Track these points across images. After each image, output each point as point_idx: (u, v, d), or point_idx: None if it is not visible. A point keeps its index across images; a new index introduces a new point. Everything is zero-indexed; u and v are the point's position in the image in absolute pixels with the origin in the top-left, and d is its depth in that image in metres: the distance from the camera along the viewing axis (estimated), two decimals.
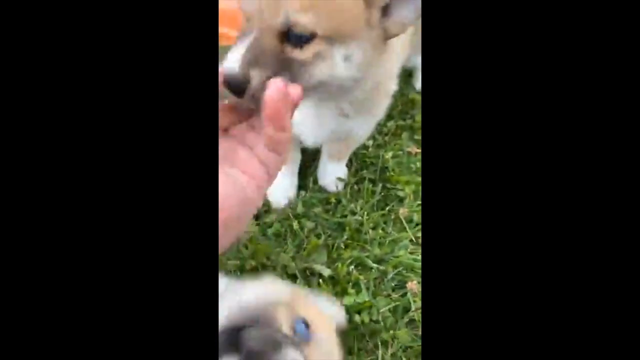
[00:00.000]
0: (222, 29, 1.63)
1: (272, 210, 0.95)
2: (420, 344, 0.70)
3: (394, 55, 0.72)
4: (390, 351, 0.70)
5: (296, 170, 1.00)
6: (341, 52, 0.55)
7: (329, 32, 0.53)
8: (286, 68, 0.52)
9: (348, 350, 0.69)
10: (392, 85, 0.79)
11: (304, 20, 0.50)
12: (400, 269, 0.80)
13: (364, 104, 0.73)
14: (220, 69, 0.48)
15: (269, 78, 0.49)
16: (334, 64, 0.56)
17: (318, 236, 0.87)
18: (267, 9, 0.50)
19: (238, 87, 0.49)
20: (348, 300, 0.75)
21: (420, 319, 0.73)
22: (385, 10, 0.56)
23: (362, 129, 0.83)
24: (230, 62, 0.50)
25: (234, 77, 0.49)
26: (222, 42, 1.49)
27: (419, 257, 0.81)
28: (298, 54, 0.52)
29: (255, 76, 0.50)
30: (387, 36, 0.58)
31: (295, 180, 1.03)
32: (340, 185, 0.97)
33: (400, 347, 0.71)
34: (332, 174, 0.97)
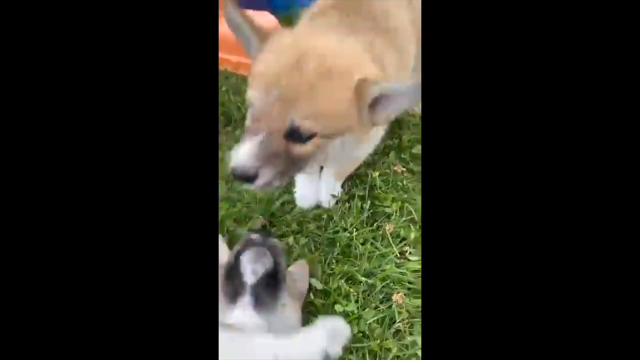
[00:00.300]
0: (222, 55, 1.71)
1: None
2: (407, 352, 0.74)
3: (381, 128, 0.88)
4: None
5: (317, 176, 1.06)
6: (336, 143, 0.65)
7: (327, 131, 0.62)
8: (290, 160, 0.61)
9: None
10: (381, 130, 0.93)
11: (307, 125, 0.59)
12: (388, 281, 0.85)
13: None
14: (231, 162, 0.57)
15: (278, 173, 0.59)
16: (331, 151, 0.66)
17: (311, 251, 0.92)
18: (275, 114, 0.58)
19: (247, 179, 0.58)
20: (338, 308, 0.80)
21: (406, 330, 0.78)
22: (373, 107, 0.65)
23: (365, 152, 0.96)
24: (242, 156, 0.58)
25: (245, 171, 0.58)
26: (222, 66, 1.56)
27: (405, 271, 0.86)
28: (301, 149, 0.62)
29: (265, 172, 0.59)
30: (375, 125, 0.68)
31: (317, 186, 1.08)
32: (333, 202, 1.03)
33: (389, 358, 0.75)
34: (329, 191, 1.03)
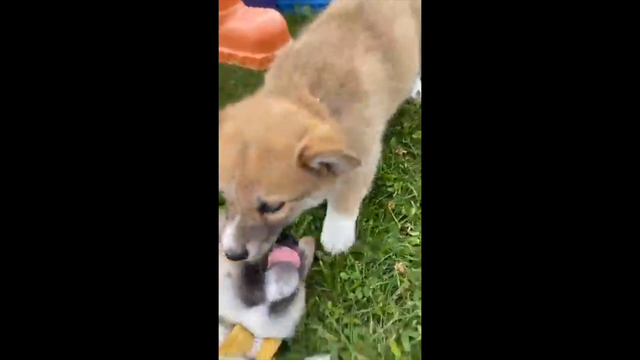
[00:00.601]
0: (230, 50, 1.78)
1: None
2: (407, 316, 0.79)
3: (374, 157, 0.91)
4: (382, 325, 0.80)
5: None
6: (307, 200, 0.70)
7: (294, 197, 0.66)
8: (269, 228, 0.67)
9: (344, 325, 0.79)
10: (376, 154, 0.93)
11: (273, 199, 0.64)
12: (390, 254, 0.90)
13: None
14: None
15: (263, 242, 0.66)
16: (304, 207, 0.72)
17: (318, 228, 0.97)
18: (243, 196, 0.64)
19: (239, 258, 0.65)
20: (344, 275, 0.85)
21: (407, 296, 0.83)
22: (329, 167, 0.68)
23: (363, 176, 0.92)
24: (227, 241, 0.64)
25: (234, 252, 0.64)
26: (222, 61, 1.62)
27: (406, 244, 0.91)
28: (275, 216, 0.67)
29: (252, 246, 0.65)
30: (337, 176, 0.71)
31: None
32: (349, 245, 0.93)
33: (391, 322, 0.80)
34: (341, 233, 0.93)
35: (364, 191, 0.95)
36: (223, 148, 0.63)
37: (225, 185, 0.64)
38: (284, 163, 0.62)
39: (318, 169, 0.65)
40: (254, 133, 0.63)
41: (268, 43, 1.73)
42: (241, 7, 1.84)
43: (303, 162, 0.63)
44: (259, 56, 1.72)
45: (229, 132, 0.65)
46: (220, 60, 1.77)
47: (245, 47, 1.74)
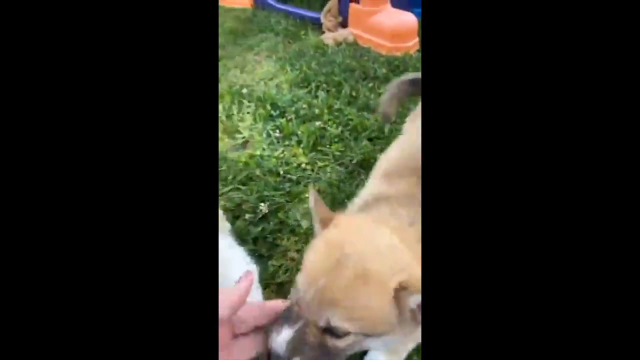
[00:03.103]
0: (367, 35, 2.48)
1: None
2: None
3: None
4: None
5: None
6: (374, 341, 0.64)
7: (364, 331, 0.61)
8: (324, 350, 0.61)
9: None
10: None
11: (343, 326, 0.59)
12: None
13: None
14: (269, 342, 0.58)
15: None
16: (362, 348, 0.66)
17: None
18: (314, 309, 0.59)
19: None
20: None
21: None
22: (415, 313, 0.61)
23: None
24: (279, 344, 0.58)
25: (280, 358, 0.58)
26: (362, 43, 2.44)
27: None
28: (336, 342, 0.61)
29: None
30: (416, 325, 0.64)
31: None
32: None
33: None
34: None
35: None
36: (320, 252, 0.63)
37: (304, 286, 0.61)
38: (374, 292, 0.59)
39: (408, 309, 0.61)
40: (355, 252, 0.61)
41: (399, 36, 2.30)
42: (388, 7, 2.44)
43: (399, 297, 0.59)
44: (389, 45, 2.30)
45: (331, 239, 0.65)
46: (362, 42, 2.41)
47: (382, 36, 2.34)
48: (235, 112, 1.78)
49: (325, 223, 0.69)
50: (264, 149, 1.55)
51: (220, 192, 1.40)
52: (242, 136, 1.65)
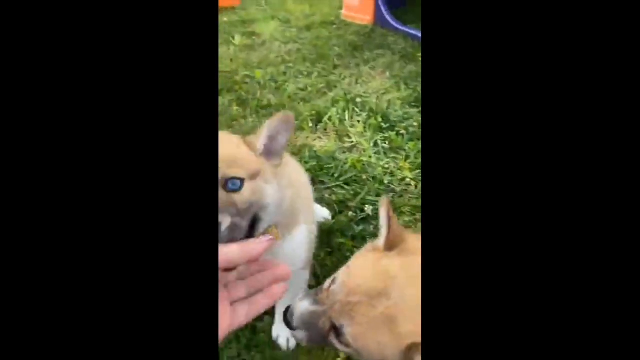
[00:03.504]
0: None
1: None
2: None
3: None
4: None
5: None
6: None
7: (363, 355, 0.62)
8: (324, 339, 0.64)
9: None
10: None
11: (349, 341, 0.60)
12: None
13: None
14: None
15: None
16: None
17: None
18: (337, 309, 0.62)
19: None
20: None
21: None
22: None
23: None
24: (297, 311, 0.64)
25: (291, 320, 0.65)
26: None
27: None
28: (337, 344, 0.64)
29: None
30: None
31: None
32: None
33: None
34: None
35: None
36: (372, 267, 0.64)
37: (341, 288, 0.63)
38: (391, 339, 0.59)
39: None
40: (399, 295, 0.60)
41: None
42: None
43: (409, 354, 0.59)
44: None
45: (388, 263, 0.64)
46: None
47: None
48: (347, 117, 1.90)
49: (392, 239, 0.67)
50: (370, 157, 1.64)
51: (325, 185, 1.51)
52: (351, 141, 1.76)
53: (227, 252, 0.50)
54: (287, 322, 0.66)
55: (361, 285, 0.61)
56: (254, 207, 0.67)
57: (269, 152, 0.74)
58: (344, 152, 1.70)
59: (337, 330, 0.61)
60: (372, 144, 1.71)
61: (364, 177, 1.52)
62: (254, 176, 0.67)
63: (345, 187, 1.50)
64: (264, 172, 0.70)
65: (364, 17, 3.19)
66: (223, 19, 3.63)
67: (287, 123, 0.74)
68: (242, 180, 0.65)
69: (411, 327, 0.57)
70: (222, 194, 0.63)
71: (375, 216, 1.36)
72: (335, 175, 1.54)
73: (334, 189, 1.49)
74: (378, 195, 1.44)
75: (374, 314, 0.58)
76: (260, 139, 0.73)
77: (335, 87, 2.20)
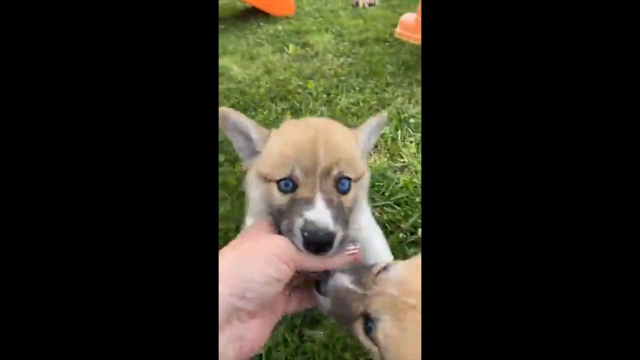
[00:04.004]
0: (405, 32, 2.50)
1: None
2: None
3: None
4: None
5: None
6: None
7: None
8: (348, 317, 0.56)
9: None
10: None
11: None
12: None
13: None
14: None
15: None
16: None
17: None
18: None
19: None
20: None
21: None
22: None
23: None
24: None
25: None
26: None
27: None
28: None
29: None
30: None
31: None
32: None
33: None
34: None
35: None
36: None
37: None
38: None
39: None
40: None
41: None
42: None
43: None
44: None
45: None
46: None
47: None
48: (399, 137, 1.90)
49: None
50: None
51: (374, 204, 1.51)
52: (403, 161, 1.75)
53: (307, 263, 0.52)
54: (318, 284, 0.60)
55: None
56: (349, 216, 0.61)
57: (362, 150, 0.71)
58: (395, 172, 1.69)
59: (368, 321, 0.56)
60: None
61: (417, 199, 1.51)
62: (357, 179, 0.63)
63: (396, 207, 1.49)
64: (364, 175, 0.66)
65: (419, 36, 3.19)
66: (278, 27, 3.75)
67: (382, 125, 0.74)
68: (350, 182, 0.61)
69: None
70: (332, 192, 0.57)
71: None
72: (386, 194, 1.54)
73: (384, 207, 1.49)
74: None
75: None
76: (361, 137, 0.69)
77: (389, 104, 2.21)
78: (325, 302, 0.60)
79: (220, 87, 2.56)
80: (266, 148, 0.66)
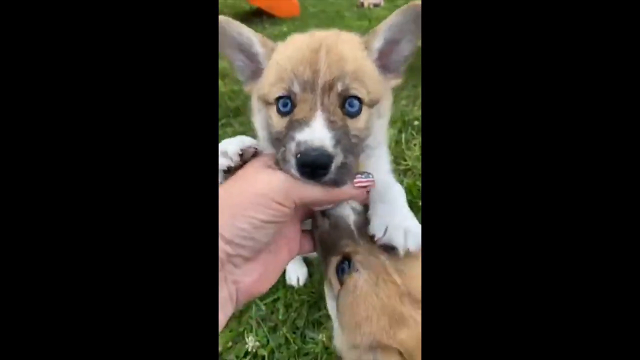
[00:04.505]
0: None
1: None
2: None
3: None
4: None
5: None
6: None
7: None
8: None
9: None
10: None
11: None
12: None
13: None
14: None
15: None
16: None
17: None
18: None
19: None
20: None
21: None
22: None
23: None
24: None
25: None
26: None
27: None
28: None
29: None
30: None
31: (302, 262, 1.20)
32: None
33: None
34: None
35: None
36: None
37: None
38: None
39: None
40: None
41: None
42: None
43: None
44: None
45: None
46: None
47: None
48: (403, 140, 1.91)
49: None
50: None
51: None
52: (406, 164, 1.76)
53: (307, 195, 0.47)
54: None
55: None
56: (358, 146, 0.52)
57: (387, 64, 0.58)
58: (399, 175, 1.70)
59: (345, 262, 0.54)
60: None
61: (420, 203, 1.51)
62: (372, 103, 0.53)
63: None
64: (382, 100, 0.55)
65: None
66: (283, 29, 3.77)
67: (417, 19, 0.54)
68: (361, 102, 0.51)
69: (411, 344, 0.49)
70: (336, 112, 0.49)
71: None
72: None
73: None
74: None
75: (396, 306, 0.50)
76: (375, 41, 0.55)
77: (393, 108, 2.22)
78: (323, 223, 0.58)
79: (225, 88, 2.58)
80: (267, 67, 0.57)
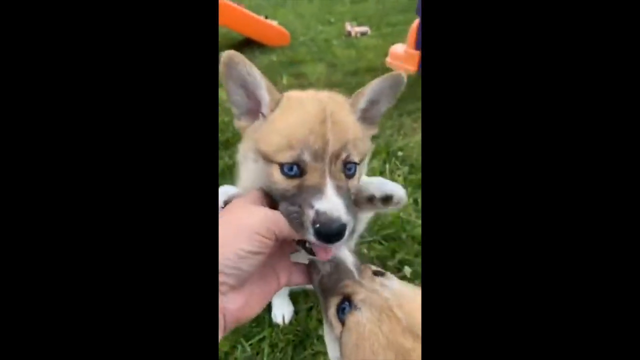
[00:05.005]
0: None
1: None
2: None
3: None
4: None
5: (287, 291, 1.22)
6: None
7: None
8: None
9: None
10: None
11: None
12: None
13: None
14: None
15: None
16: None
17: None
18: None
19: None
20: None
21: None
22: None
23: None
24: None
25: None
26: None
27: None
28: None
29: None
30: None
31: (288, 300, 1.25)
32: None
33: None
34: None
35: None
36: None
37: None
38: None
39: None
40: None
41: None
42: None
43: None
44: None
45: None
46: None
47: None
48: (387, 170, 1.95)
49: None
50: (410, 214, 1.66)
51: (362, 239, 1.54)
52: None
53: (290, 233, 0.52)
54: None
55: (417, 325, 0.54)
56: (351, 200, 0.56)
57: (365, 119, 0.64)
58: None
59: (345, 302, 0.56)
60: (412, 201, 1.74)
61: (404, 235, 1.54)
62: (362, 160, 0.59)
63: (384, 243, 1.52)
64: (367, 153, 0.61)
65: (408, 66, 3.29)
66: (272, 58, 3.87)
67: (396, 85, 0.63)
68: (356, 166, 0.57)
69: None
70: (340, 177, 0.54)
71: (414, 278, 1.37)
72: (375, 229, 1.58)
73: (372, 243, 1.52)
74: (417, 255, 1.45)
75: (401, 343, 0.51)
76: (360, 102, 0.62)
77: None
78: (324, 267, 0.61)
79: None
80: (269, 120, 0.59)
